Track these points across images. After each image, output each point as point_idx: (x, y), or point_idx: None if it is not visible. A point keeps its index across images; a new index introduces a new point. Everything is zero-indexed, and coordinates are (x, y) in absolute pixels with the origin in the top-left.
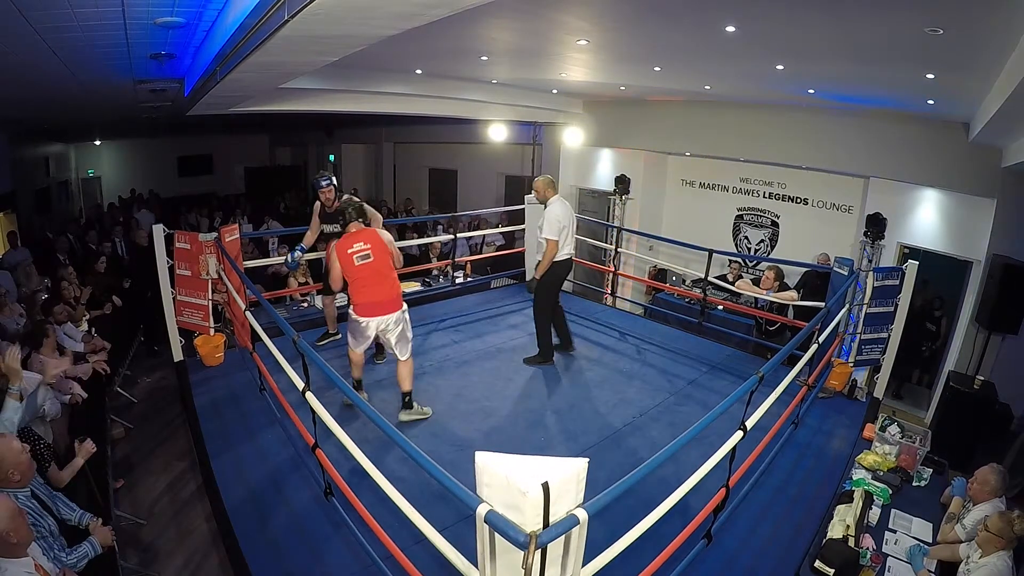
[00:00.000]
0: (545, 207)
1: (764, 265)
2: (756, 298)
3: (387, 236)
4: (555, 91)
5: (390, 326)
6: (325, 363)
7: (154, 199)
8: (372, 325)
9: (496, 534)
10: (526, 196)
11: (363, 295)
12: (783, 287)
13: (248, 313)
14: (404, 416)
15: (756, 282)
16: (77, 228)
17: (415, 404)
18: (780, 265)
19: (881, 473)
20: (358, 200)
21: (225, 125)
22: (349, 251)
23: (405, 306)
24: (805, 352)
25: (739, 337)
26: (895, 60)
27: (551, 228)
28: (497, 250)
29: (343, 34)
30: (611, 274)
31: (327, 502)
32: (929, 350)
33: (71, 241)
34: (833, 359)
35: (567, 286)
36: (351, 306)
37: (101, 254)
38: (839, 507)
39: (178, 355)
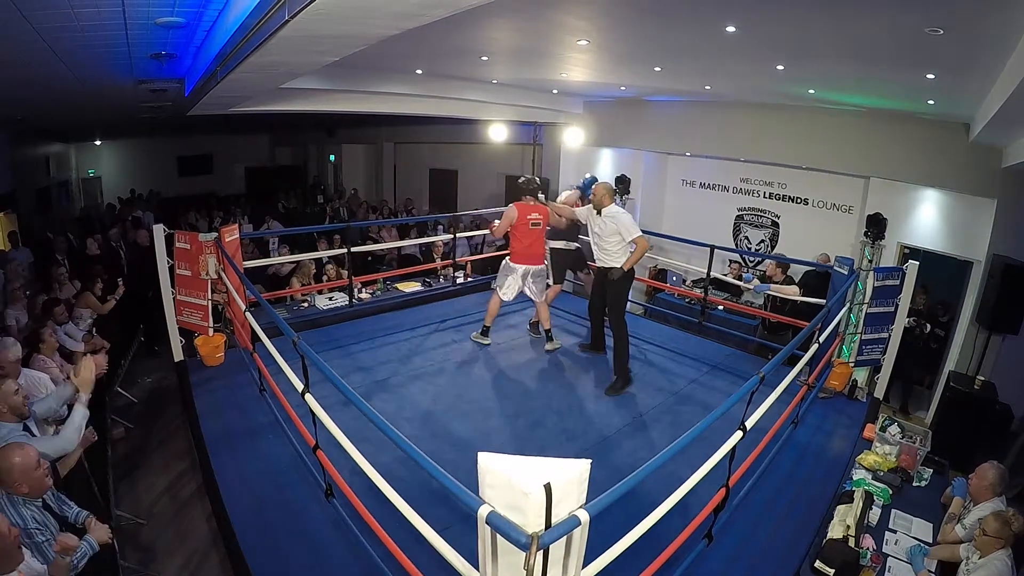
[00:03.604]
0: (600, 213)
1: (767, 262)
2: (765, 297)
3: (547, 210)
4: (555, 91)
5: (539, 273)
6: (324, 363)
7: (154, 199)
8: (521, 270)
9: (498, 535)
10: (526, 196)
11: (522, 247)
12: (788, 279)
13: (248, 313)
14: (548, 347)
15: (762, 278)
16: (77, 228)
17: (554, 338)
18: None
19: (881, 473)
20: (538, 183)
21: (225, 125)
22: (528, 217)
23: (547, 261)
24: (805, 352)
25: (739, 337)
26: (895, 60)
27: (635, 226)
28: (497, 250)
29: (343, 34)
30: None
31: (327, 502)
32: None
33: (70, 241)
34: (833, 359)
35: (567, 286)
36: (510, 256)
37: (97, 256)
38: (839, 507)
39: (178, 355)
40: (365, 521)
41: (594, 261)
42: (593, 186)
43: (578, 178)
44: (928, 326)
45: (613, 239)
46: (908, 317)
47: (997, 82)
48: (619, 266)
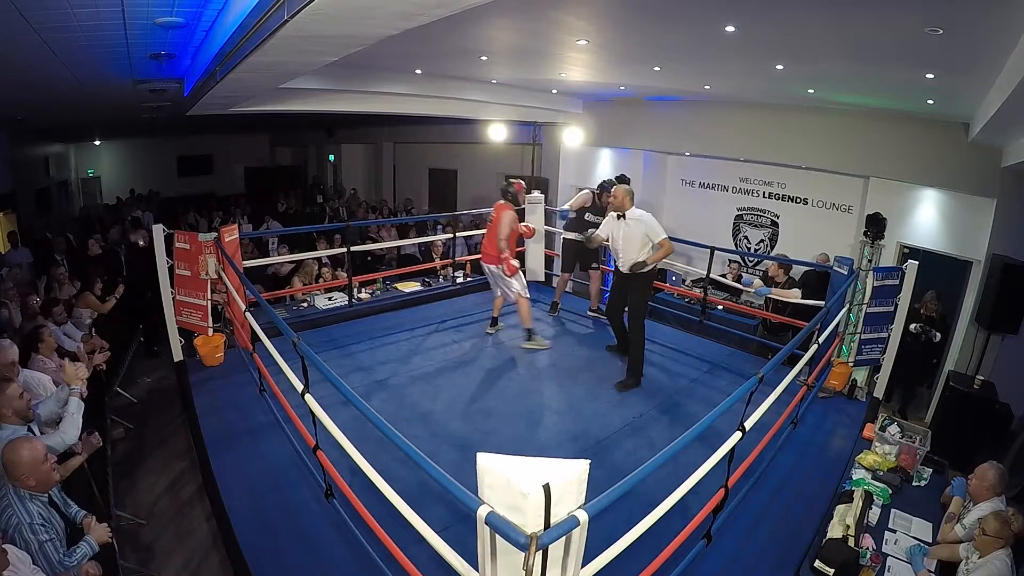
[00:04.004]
0: (623, 217)
1: (767, 262)
2: (758, 294)
3: (510, 215)
4: (555, 91)
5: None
6: (324, 364)
7: (154, 198)
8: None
9: (497, 535)
10: (526, 196)
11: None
12: (789, 280)
13: (248, 313)
14: (524, 344)
15: (763, 279)
16: (76, 228)
17: (534, 337)
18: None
19: (881, 473)
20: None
21: (225, 125)
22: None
23: (503, 265)
24: (805, 352)
25: (740, 337)
26: (895, 60)
27: (661, 228)
28: None
29: (343, 34)
30: (611, 274)
31: (327, 502)
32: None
33: (70, 241)
34: (833, 359)
35: (570, 286)
36: (515, 259)
37: (99, 256)
38: (839, 507)
39: (178, 355)
40: (365, 521)
41: (599, 261)
42: (613, 189)
43: (578, 178)
44: (938, 335)
45: (638, 242)
46: (916, 323)
47: (996, 82)
48: (644, 259)
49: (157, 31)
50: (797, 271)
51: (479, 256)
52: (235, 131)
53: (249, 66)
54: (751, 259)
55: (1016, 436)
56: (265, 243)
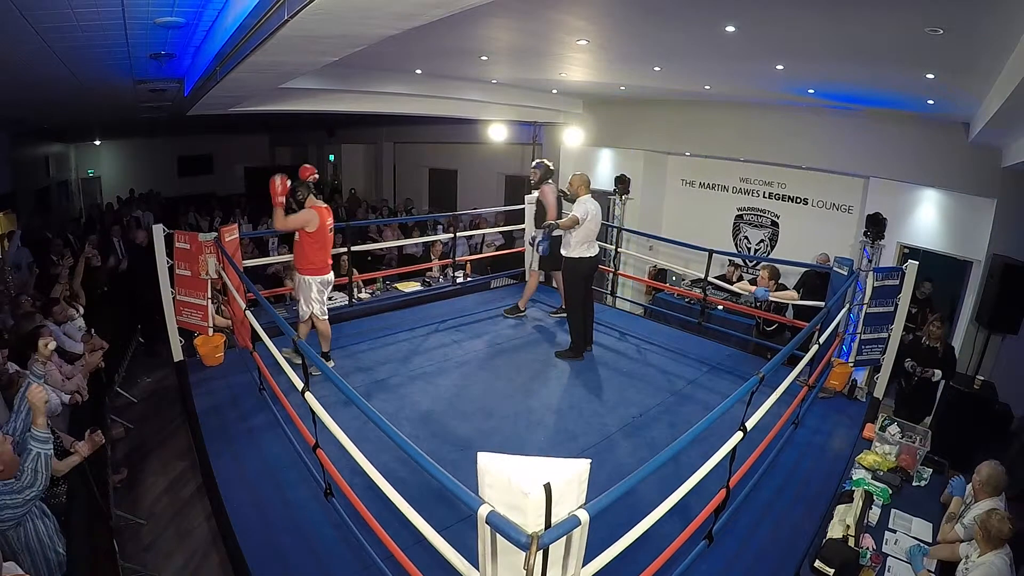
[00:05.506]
0: (574, 203)
1: (760, 265)
2: (756, 298)
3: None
4: (555, 91)
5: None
6: (324, 363)
7: (154, 199)
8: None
9: (497, 535)
10: (526, 196)
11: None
12: (780, 286)
13: (248, 313)
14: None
15: (753, 283)
16: (76, 228)
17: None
18: (776, 264)
19: (881, 473)
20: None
21: (225, 125)
22: (327, 221)
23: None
24: (805, 352)
25: (739, 337)
26: (895, 60)
27: (577, 210)
28: (497, 250)
29: (343, 34)
30: (611, 274)
31: (327, 502)
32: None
33: (70, 241)
34: (833, 359)
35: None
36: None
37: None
38: (839, 507)
39: (178, 355)
40: (365, 521)
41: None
42: (572, 176)
43: None
44: (938, 374)
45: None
46: (911, 359)
47: (996, 82)
48: (567, 255)
49: (157, 31)
50: (797, 272)
51: (480, 256)
52: (235, 131)
53: (249, 66)
54: (750, 260)
55: (1016, 436)
56: (265, 243)
